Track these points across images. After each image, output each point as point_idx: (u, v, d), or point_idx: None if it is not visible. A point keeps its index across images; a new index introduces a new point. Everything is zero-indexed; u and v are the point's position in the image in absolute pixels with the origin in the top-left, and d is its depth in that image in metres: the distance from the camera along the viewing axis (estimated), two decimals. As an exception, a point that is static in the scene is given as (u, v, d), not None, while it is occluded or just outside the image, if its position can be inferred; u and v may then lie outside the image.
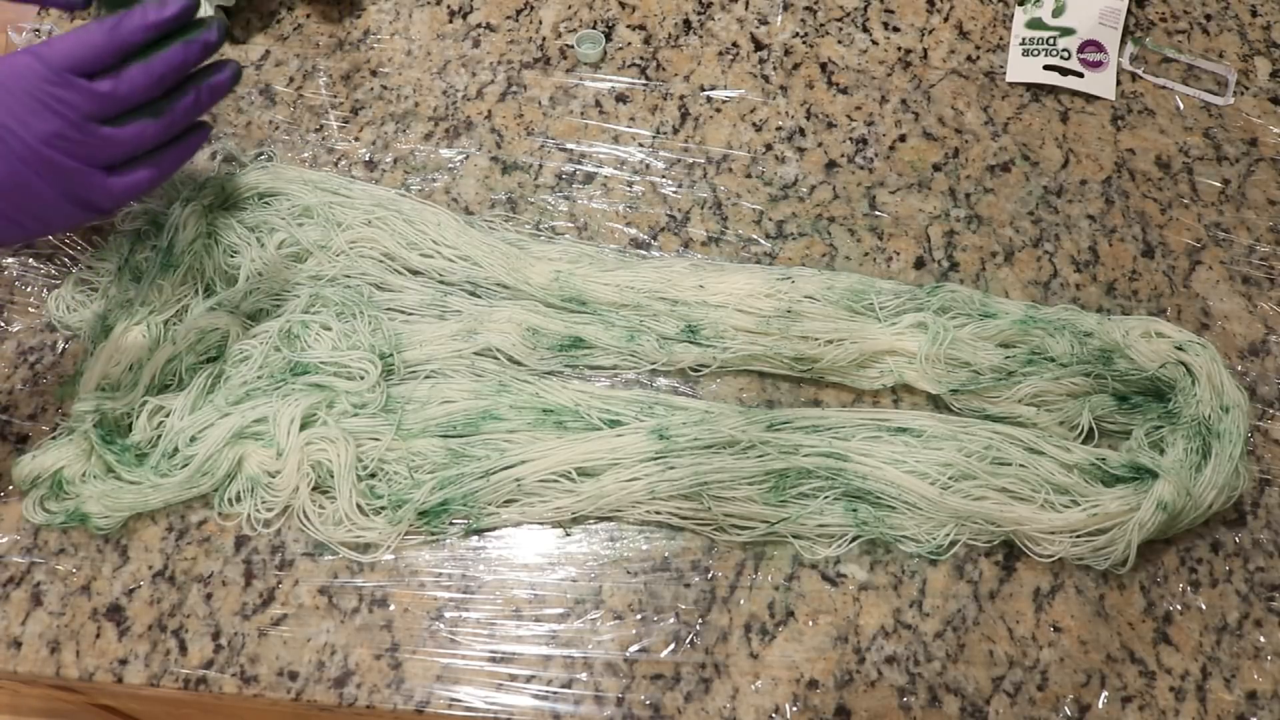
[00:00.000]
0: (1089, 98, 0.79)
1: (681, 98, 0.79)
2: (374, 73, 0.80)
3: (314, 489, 0.63)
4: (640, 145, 0.77)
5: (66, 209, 0.57)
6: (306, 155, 0.77)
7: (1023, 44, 0.81)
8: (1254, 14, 0.83)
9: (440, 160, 0.76)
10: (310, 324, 0.67)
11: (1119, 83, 0.79)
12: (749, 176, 0.76)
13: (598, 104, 0.79)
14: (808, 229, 0.74)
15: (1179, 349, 0.65)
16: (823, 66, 0.81)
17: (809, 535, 0.63)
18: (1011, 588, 0.62)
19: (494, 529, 0.63)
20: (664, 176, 0.76)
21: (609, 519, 0.63)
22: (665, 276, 0.69)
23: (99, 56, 0.54)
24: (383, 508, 0.63)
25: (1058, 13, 0.81)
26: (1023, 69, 0.80)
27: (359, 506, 0.63)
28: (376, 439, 0.64)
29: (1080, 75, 0.79)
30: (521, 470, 0.63)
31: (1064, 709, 0.59)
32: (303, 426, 0.63)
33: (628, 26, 0.83)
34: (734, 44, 0.82)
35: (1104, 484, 0.63)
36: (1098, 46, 0.80)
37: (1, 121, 0.53)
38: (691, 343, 0.67)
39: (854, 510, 0.63)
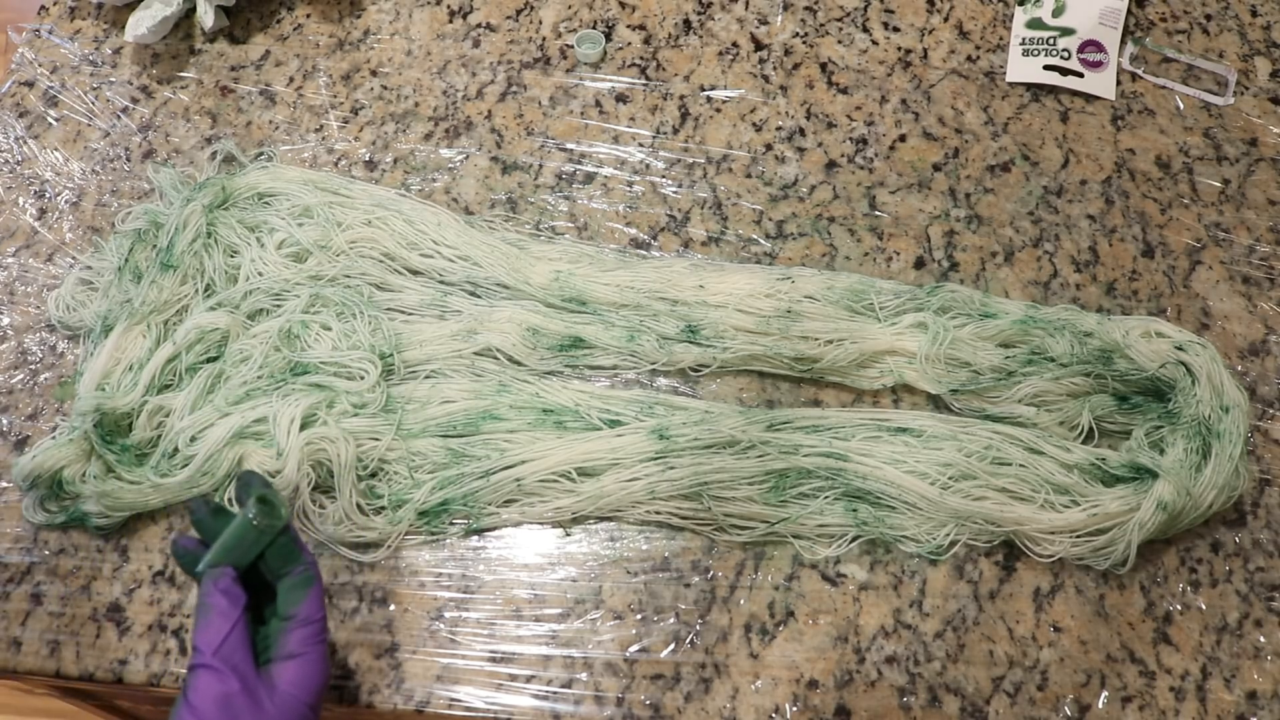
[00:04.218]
0: (1089, 98, 0.79)
1: (681, 98, 0.79)
2: (374, 73, 0.80)
3: (314, 489, 0.63)
4: (640, 145, 0.77)
5: None
6: (306, 155, 0.77)
7: (1023, 44, 0.81)
8: (1254, 14, 0.83)
9: (440, 160, 0.76)
10: (310, 324, 0.67)
11: (1119, 83, 0.79)
12: (749, 176, 0.76)
13: (598, 104, 0.79)
14: (808, 229, 0.74)
15: (1179, 349, 0.65)
16: (823, 66, 0.81)
17: (809, 535, 0.63)
18: (1011, 588, 0.62)
19: (494, 529, 0.63)
20: (664, 176, 0.76)
21: (609, 519, 0.63)
22: (665, 276, 0.69)
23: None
24: (383, 508, 0.63)
25: (1058, 13, 0.81)
26: (1023, 69, 0.80)
27: (359, 506, 0.63)
28: (376, 439, 0.64)
29: (1080, 75, 0.79)
30: (521, 470, 0.63)
31: (1064, 709, 0.59)
32: (303, 426, 0.63)
33: (628, 26, 0.83)
34: (734, 44, 0.82)
35: (1104, 484, 0.63)
36: (1098, 46, 0.80)
37: None
38: (691, 343, 0.67)
39: (854, 510, 0.63)
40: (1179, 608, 0.61)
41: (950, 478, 0.62)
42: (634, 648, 0.60)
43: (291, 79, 0.80)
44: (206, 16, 0.80)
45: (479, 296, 0.70)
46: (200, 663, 0.49)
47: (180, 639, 0.61)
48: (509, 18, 0.83)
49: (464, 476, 0.63)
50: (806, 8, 0.83)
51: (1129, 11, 0.82)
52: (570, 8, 0.83)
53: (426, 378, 0.67)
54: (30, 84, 0.80)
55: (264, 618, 0.54)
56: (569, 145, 0.77)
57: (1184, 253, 0.72)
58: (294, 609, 0.52)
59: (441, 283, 0.70)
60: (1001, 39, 0.82)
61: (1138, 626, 0.61)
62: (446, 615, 0.61)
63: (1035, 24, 0.81)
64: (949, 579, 0.62)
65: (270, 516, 0.51)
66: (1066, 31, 0.80)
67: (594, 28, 0.82)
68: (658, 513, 0.63)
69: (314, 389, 0.65)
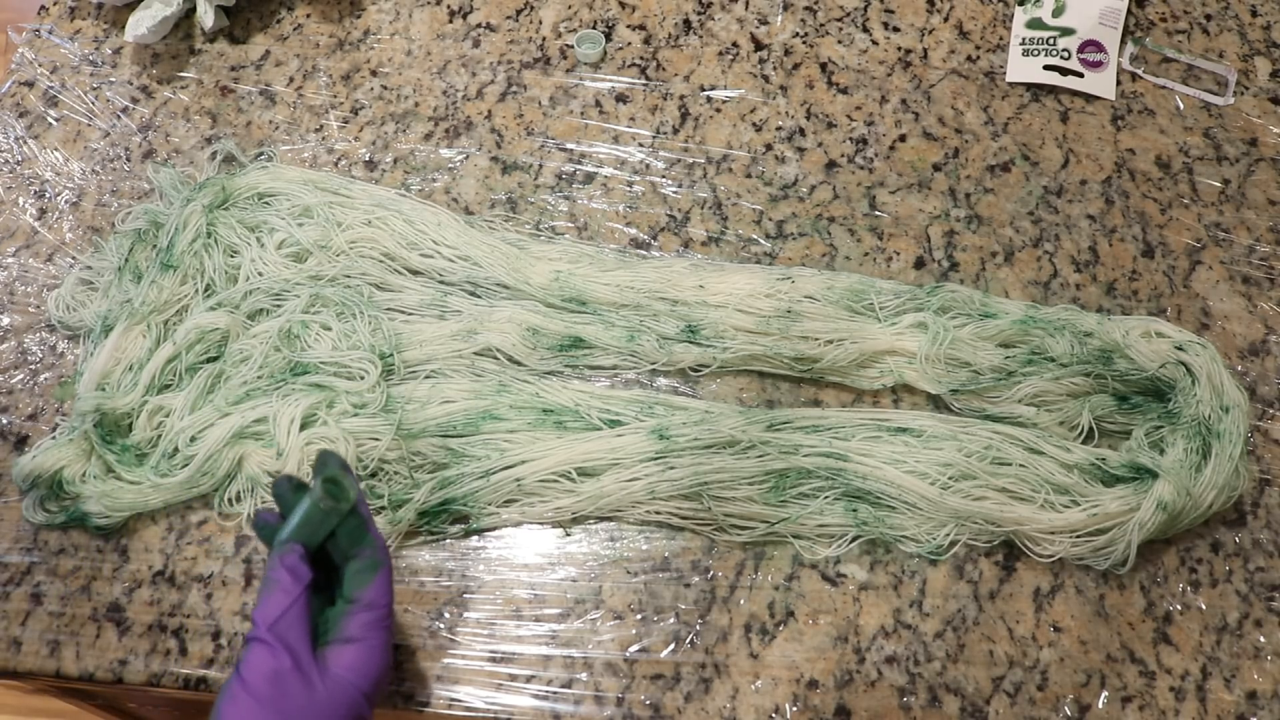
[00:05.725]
0: (1089, 98, 0.79)
1: (681, 98, 0.79)
2: (374, 73, 0.80)
3: (314, 489, 0.63)
4: (640, 145, 0.77)
5: None
6: (306, 155, 0.77)
7: (1023, 44, 0.81)
8: (1254, 14, 0.83)
9: (440, 160, 0.76)
10: (310, 324, 0.67)
11: (1119, 83, 0.79)
12: (749, 176, 0.76)
13: (598, 104, 0.79)
14: (808, 229, 0.74)
15: (1179, 349, 0.65)
16: (823, 66, 0.81)
17: (809, 535, 0.63)
18: (1011, 588, 0.62)
19: (494, 529, 0.63)
20: (664, 176, 0.76)
21: (609, 519, 0.63)
22: (665, 276, 0.69)
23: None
24: (383, 508, 0.63)
25: (1058, 13, 0.81)
26: (1023, 69, 0.80)
27: (359, 506, 0.63)
28: (376, 439, 0.64)
29: (1080, 75, 0.79)
30: (521, 470, 0.63)
31: (1064, 709, 0.59)
32: (303, 426, 0.63)
33: (628, 26, 0.83)
34: (734, 44, 0.82)
35: (1104, 484, 0.63)
36: (1098, 46, 0.80)
37: None
38: (691, 343, 0.67)
39: (854, 510, 0.63)
40: (1179, 608, 0.61)
41: (950, 478, 0.62)
42: (634, 648, 0.60)
43: (291, 79, 0.80)
44: (206, 16, 0.80)
45: (479, 296, 0.70)
46: (255, 636, 0.49)
47: (180, 639, 0.61)
48: (509, 18, 0.83)
49: (464, 476, 0.63)
50: (806, 8, 0.83)
51: (1129, 11, 0.82)
52: (570, 8, 0.83)
53: (426, 378, 0.67)
54: (30, 84, 0.80)
55: (334, 600, 0.53)
56: (569, 145, 0.77)
57: (1184, 253, 0.72)
58: (358, 592, 0.52)
59: (441, 283, 0.70)
60: (1001, 39, 0.82)
61: (1138, 626, 0.61)
62: (446, 615, 0.61)
63: (1035, 24, 0.81)
64: (949, 579, 0.62)
65: (337, 498, 0.51)
66: (1066, 31, 0.81)
67: (594, 28, 0.82)
68: (658, 513, 0.63)
69: (314, 389, 0.65)
